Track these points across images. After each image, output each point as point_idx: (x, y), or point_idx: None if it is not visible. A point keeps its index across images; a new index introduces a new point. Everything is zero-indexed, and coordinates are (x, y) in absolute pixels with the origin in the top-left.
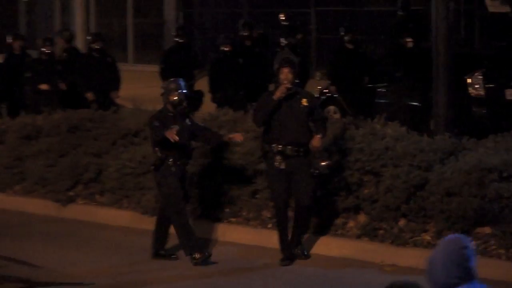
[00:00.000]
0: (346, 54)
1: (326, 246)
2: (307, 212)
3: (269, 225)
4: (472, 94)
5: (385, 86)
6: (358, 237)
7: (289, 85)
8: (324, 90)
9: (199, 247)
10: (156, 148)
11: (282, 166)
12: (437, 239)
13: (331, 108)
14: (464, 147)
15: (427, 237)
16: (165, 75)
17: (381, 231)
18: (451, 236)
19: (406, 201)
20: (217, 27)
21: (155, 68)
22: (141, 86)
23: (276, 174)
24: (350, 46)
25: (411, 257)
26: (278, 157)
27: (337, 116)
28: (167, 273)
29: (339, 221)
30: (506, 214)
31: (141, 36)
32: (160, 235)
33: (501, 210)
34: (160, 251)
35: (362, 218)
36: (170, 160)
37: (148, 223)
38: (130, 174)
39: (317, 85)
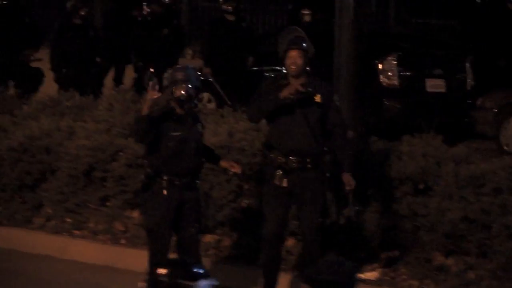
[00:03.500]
0: (225, 27)
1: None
2: (315, 248)
3: (122, 241)
4: (384, 84)
5: (274, 70)
6: (235, 259)
7: (302, 88)
8: (197, 73)
9: None
10: (145, 161)
11: (284, 184)
12: None
13: (205, 95)
14: (371, 151)
15: None
16: None
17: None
18: None
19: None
20: None
21: None
22: None
23: (272, 194)
24: (230, 17)
25: None
26: (278, 172)
27: (212, 105)
28: None
29: (210, 237)
30: (421, 236)
31: None
32: None
33: (414, 231)
34: None
35: (238, 236)
36: (164, 178)
37: None
38: None
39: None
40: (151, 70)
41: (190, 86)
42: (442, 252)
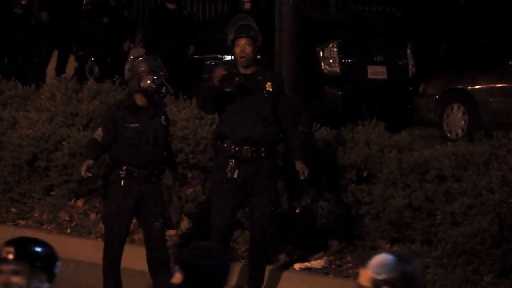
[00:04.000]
0: (166, 15)
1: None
2: (266, 238)
3: (68, 230)
4: (326, 71)
5: (215, 58)
6: (180, 248)
7: (224, 71)
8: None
9: None
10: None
11: (235, 175)
12: (288, 256)
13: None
14: (314, 139)
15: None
16: None
17: None
18: None
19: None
20: None
21: None
22: None
23: (223, 184)
24: (171, 6)
25: None
26: (231, 162)
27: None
28: None
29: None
30: (366, 224)
31: None
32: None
33: (360, 218)
34: None
35: (184, 225)
36: (123, 169)
37: None
38: None
39: (129, 55)
40: (92, 59)
41: (156, 77)
42: (387, 240)
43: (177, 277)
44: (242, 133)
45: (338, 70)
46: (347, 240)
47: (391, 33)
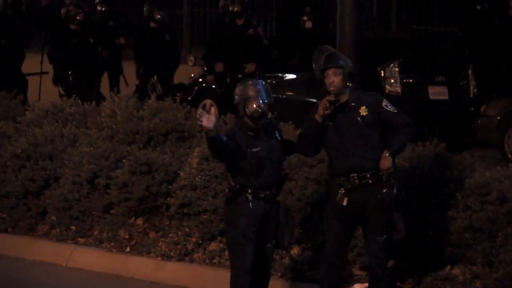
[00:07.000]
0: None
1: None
2: (377, 270)
3: (127, 249)
4: (387, 91)
5: (275, 77)
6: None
7: (332, 97)
8: (199, 79)
9: None
10: (229, 174)
11: (344, 203)
12: (348, 276)
13: (208, 101)
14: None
15: None
16: None
17: None
18: None
19: (301, 224)
20: None
21: None
22: None
23: (332, 212)
24: (240, 21)
25: None
26: (340, 190)
27: (215, 112)
28: None
29: (215, 245)
30: (426, 245)
31: None
32: None
33: (420, 239)
34: None
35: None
36: (249, 192)
37: None
38: None
39: (190, 73)
40: (155, 77)
41: (261, 102)
42: (448, 261)
43: None
44: (343, 163)
45: (399, 90)
46: (406, 260)
47: (452, 53)
